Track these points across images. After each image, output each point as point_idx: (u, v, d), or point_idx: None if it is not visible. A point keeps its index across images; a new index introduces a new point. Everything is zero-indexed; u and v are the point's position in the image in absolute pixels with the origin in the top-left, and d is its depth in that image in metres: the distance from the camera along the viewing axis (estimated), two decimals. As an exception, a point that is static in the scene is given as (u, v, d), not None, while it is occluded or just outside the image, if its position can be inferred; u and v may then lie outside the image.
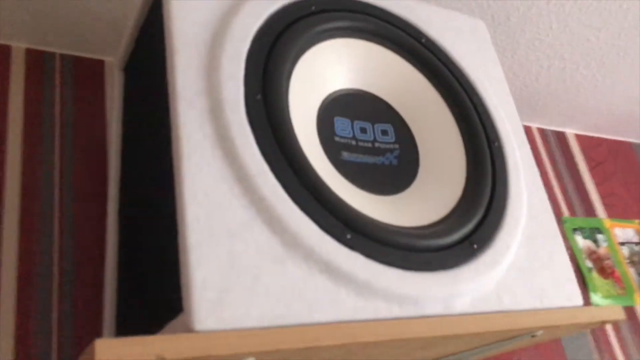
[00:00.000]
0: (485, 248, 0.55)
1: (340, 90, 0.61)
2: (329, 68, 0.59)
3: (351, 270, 0.46)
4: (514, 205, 0.60)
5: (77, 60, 0.83)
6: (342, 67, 0.60)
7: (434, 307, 0.50)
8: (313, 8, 0.58)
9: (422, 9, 0.68)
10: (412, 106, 0.64)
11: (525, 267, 0.57)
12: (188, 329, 0.39)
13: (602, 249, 1.22)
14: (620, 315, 0.61)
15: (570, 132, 1.37)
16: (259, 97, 0.49)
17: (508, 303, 0.54)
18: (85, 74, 0.82)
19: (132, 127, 0.63)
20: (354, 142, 0.59)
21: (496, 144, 0.63)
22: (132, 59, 0.66)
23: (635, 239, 1.27)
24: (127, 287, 0.60)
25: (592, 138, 1.41)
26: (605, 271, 1.19)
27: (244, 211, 0.44)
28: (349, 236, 0.47)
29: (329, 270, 0.45)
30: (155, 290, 0.49)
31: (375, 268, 0.47)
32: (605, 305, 0.60)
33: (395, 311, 0.47)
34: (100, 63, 0.84)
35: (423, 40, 0.65)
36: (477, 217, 0.56)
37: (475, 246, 0.54)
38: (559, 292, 0.58)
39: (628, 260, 1.20)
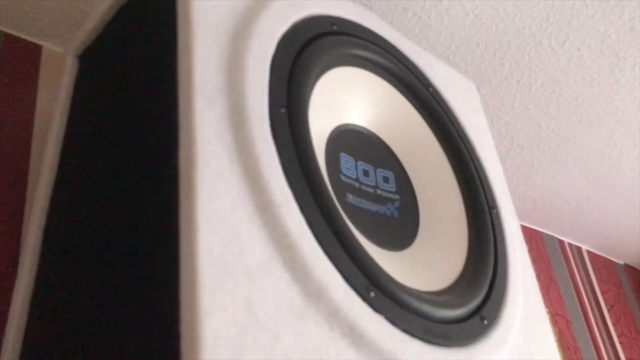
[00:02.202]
0: (494, 325, 0.49)
1: (349, 125, 0.53)
2: (346, 97, 0.51)
3: (376, 338, 0.37)
4: (514, 278, 0.55)
5: (9, 39, 0.68)
6: (358, 101, 0.53)
7: (450, 391, 0.42)
8: (334, 27, 0.51)
9: (427, 56, 0.64)
10: (414, 157, 0.58)
11: (524, 351, 0.52)
12: (187, 401, 0.28)
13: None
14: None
15: (493, 212, 1.40)
16: (283, 110, 0.40)
17: (512, 391, 0.48)
18: (17, 56, 0.68)
19: (88, 124, 0.51)
20: (357, 185, 0.51)
21: (495, 211, 0.59)
22: (99, 43, 0.54)
23: (546, 326, 1.29)
24: (49, 334, 0.45)
25: (510, 222, 1.45)
26: None
27: (264, 247, 0.34)
28: (372, 294, 0.39)
29: (353, 335, 0.36)
30: (115, 344, 0.36)
31: (400, 338, 0.39)
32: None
33: (415, 393, 0.39)
34: (37, 48, 0.70)
35: (430, 90, 0.60)
36: (484, 288, 0.50)
37: (485, 322, 0.48)
38: (551, 382, 0.53)
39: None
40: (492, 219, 0.57)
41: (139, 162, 0.40)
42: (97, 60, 0.54)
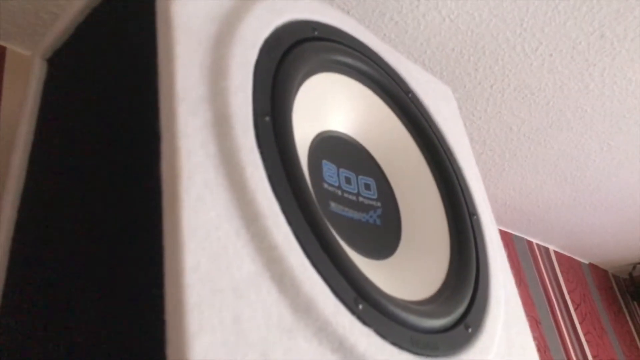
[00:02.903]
0: (478, 333, 0.48)
1: (330, 132, 0.53)
2: (327, 104, 0.51)
3: (366, 353, 0.36)
4: (496, 285, 0.55)
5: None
6: (339, 107, 0.52)
7: (438, 403, 0.41)
8: (316, 33, 0.50)
9: (405, 62, 0.64)
10: (395, 164, 0.57)
11: (506, 357, 0.52)
12: None
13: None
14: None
15: (464, 215, 1.42)
16: (267, 119, 0.39)
17: (496, 399, 0.48)
18: (-21, 58, 0.64)
19: (59, 131, 0.49)
20: (339, 192, 0.50)
21: (475, 217, 0.58)
22: (70, 46, 0.52)
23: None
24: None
25: (480, 224, 1.47)
26: None
27: (251, 262, 0.33)
28: (361, 307, 0.38)
29: (343, 350, 0.35)
30: None
31: (389, 351, 0.38)
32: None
33: (405, 407, 0.38)
34: (1, 50, 0.67)
35: (410, 96, 0.60)
36: (467, 296, 0.50)
37: (470, 330, 0.48)
38: (533, 388, 0.53)
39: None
40: (472, 225, 0.57)
41: (117, 173, 0.38)
42: (67, 64, 0.52)
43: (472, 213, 0.58)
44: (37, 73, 0.54)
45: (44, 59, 0.55)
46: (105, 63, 0.45)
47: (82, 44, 0.50)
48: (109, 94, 0.43)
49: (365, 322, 0.37)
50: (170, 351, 0.28)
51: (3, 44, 0.67)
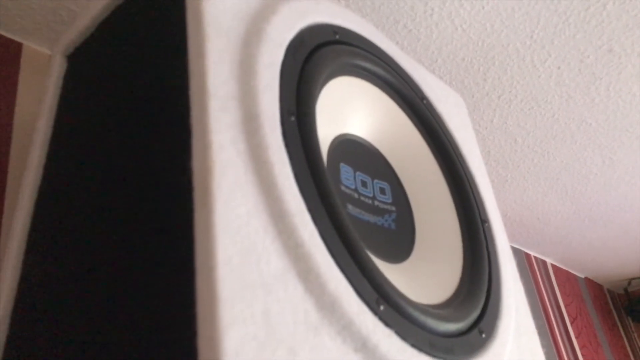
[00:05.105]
0: (492, 338, 0.49)
1: (347, 135, 0.53)
2: (345, 108, 0.51)
3: (388, 353, 0.36)
4: (507, 292, 0.55)
5: (-14, 35, 0.65)
6: (356, 111, 0.53)
7: (454, 406, 0.41)
8: (337, 37, 0.50)
9: (421, 69, 0.64)
10: (409, 169, 0.58)
11: (517, 364, 0.52)
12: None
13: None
14: None
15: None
16: (293, 118, 0.39)
17: (508, 405, 0.48)
18: (-5, 53, 0.64)
19: (80, 127, 0.49)
20: (356, 195, 0.51)
21: (487, 224, 0.59)
22: (91, 43, 0.52)
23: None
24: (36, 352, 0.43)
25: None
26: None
27: (279, 258, 0.33)
28: (382, 308, 0.38)
29: (365, 349, 0.35)
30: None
31: (410, 353, 0.38)
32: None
33: (423, 409, 0.38)
34: (17, 46, 0.67)
35: (425, 102, 0.60)
36: (481, 302, 0.50)
37: (483, 335, 0.48)
38: (542, 396, 0.54)
39: None
40: (484, 232, 0.57)
41: (145, 169, 0.38)
42: (88, 61, 0.52)
43: (484, 220, 0.59)
44: (56, 69, 0.54)
45: (64, 55, 0.55)
46: (131, 59, 0.45)
47: (105, 40, 0.50)
48: (135, 89, 0.43)
49: (387, 323, 0.37)
50: (201, 344, 0.28)
51: (20, 40, 0.67)
